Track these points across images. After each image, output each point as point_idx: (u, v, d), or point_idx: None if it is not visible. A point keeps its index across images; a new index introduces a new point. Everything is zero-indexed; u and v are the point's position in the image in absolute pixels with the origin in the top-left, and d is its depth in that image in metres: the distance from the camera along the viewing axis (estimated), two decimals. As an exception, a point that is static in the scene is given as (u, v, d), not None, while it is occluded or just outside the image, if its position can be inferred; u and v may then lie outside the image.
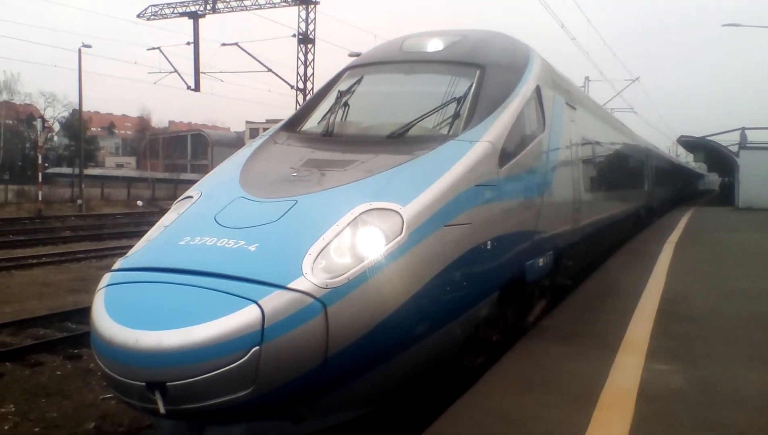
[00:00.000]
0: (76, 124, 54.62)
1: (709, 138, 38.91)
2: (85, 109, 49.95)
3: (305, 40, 31.98)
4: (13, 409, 7.28)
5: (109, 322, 3.93)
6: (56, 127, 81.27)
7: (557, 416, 4.47)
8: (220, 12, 34.52)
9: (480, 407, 4.63)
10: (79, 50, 40.87)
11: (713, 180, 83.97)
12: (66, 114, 79.78)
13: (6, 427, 6.77)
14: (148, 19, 36.20)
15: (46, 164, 53.23)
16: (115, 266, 4.59)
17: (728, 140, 38.32)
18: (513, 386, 5.08)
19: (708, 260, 12.82)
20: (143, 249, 4.72)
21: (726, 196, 47.86)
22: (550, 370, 5.49)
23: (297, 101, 31.77)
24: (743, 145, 35.66)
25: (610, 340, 6.43)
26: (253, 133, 73.82)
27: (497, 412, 4.52)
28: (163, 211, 5.47)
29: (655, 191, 24.60)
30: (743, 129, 37.10)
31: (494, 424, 4.32)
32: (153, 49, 33.15)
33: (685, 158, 73.65)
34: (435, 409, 4.90)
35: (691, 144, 44.07)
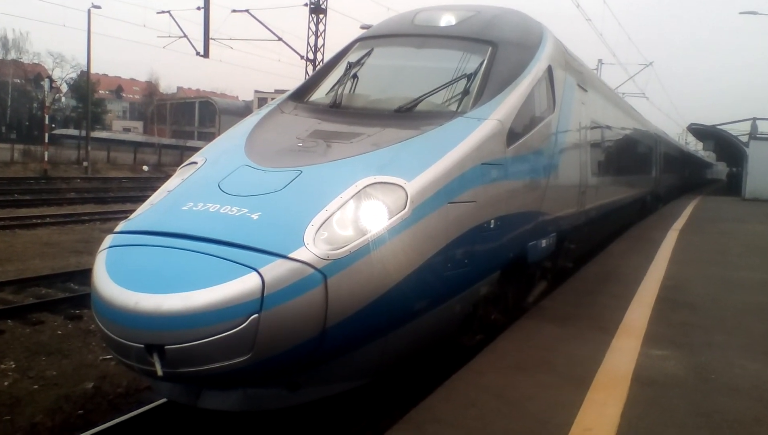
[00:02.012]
0: (84, 85, 54.30)
1: (719, 127, 38.63)
2: (93, 71, 49.80)
3: (317, 10, 31.63)
4: (13, 366, 7.35)
5: (109, 284, 3.95)
6: (64, 88, 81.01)
7: (551, 396, 4.50)
8: (232, -23, 34.10)
9: (474, 384, 4.66)
10: (89, 11, 40.59)
11: (721, 169, 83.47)
12: (74, 75, 79.39)
13: (6, 383, 6.84)
14: (159, -18, 35.85)
15: (53, 125, 53.31)
16: (117, 229, 4.59)
17: (739, 130, 38.05)
18: (508, 365, 5.10)
19: (711, 249, 12.80)
20: (146, 213, 4.72)
21: (733, 185, 47.65)
22: (546, 351, 5.51)
23: (307, 72, 31.52)
24: (754, 135, 35.37)
25: (607, 324, 6.44)
26: (262, 102, 73.42)
27: (491, 390, 4.55)
28: (168, 177, 5.46)
29: (663, 178, 24.49)
30: (755, 119, 36.83)
31: (488, 401, 4.35)
32: (163, 12, 32.82)
33: (695, 146, 73.22)
34: (430, 384, 4.94)
35: (701, 132, 43.78)
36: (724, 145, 42.40)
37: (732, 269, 10.47)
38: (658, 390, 4.74)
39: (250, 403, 4.39)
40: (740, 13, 33.44)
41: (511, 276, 6.47)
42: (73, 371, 7.28)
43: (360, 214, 4.37)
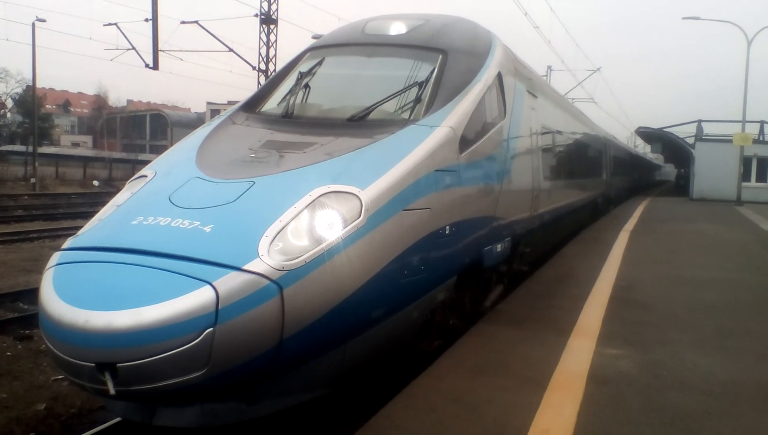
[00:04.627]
0: (30, 100, 52.78)
1: (666, 129, 39.67)
2: (39, 85, 48.71)
3: (268, 20, 31.48)
4: (-40, 390, 7.11)
5: (57, 302, 3.84)
6: (9, 103, 78.69)
7: (509, 399, 4.55)
8: (181, -11, 33.74)
9: (433, 389, 4.68)
10: (33, 24, 39.63)
11: (669, 171, 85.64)
12: (19, 90, 77.05)
13: (-48, 409, 6.60)
14: (105, -6, 35.22)
15: (-1, 141, 51.57)
16: (65, 245, 4.47)
17: (685, 132, 39.15)
18: (466, 369, 5.14)
19: (661, 249, 13.11)
20: (94, 228, 4.61)
21: (681, 187, 48.97)
22: (503, 354, 5.57)
23: (259, 82, 31.33)
24: (699, 137, 36.45)
25: (563, 325, 6.54)
26: (214, 114, 72.44)
27: (450, 395, 4.57)
28: (119, 191, 5.35)
29: (613, 181, 25.02)
30: (699, 121, 37.97)
31: (447, 407, 4.37)
32: (110, 25, 32.24)
33: (643, 149, 75.06)
34: (389, 391, 4.93)
35: (648, 135, 44.87)
36: (672, 147, 43.56)
37: (682, 268, 10.73)
38: (612, 388, 4.83)
39: (207, 419, 4.31)
40: (683, 18, 34.46)
41: (467, 281, 6.53)
42: (25, 393, 7.07)
43: (315, 223, 4.35)
